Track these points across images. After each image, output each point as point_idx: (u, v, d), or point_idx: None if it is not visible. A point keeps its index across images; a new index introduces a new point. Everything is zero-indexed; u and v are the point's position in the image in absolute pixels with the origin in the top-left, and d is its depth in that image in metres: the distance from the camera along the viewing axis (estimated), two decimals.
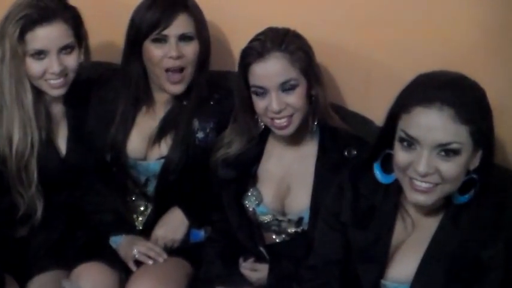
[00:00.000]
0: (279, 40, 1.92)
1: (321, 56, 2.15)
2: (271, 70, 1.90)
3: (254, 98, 1.95)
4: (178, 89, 2.12)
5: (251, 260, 2.03)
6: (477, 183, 1.60)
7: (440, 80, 1.60)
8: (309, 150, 2.02)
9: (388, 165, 1.67)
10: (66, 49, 2.09)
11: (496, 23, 1.96)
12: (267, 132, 2.05)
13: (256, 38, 1.95)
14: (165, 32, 2.07)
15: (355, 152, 1.95)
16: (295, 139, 2.02)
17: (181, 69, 2.10)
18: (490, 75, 1.97)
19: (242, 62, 1.96)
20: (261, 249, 2.05)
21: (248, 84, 1.96)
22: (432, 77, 1.61)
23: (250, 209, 2.07)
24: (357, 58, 2.20)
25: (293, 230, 2.05)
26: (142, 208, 2.27)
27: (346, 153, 1.96)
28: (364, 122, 2.15)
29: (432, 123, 1.53)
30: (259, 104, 1.94)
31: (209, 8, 2.19)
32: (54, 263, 2.12)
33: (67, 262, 2.10)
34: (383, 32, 2.13)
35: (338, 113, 2.12)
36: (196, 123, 2.17)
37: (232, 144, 2.05)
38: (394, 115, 1.61)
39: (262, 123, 2.03)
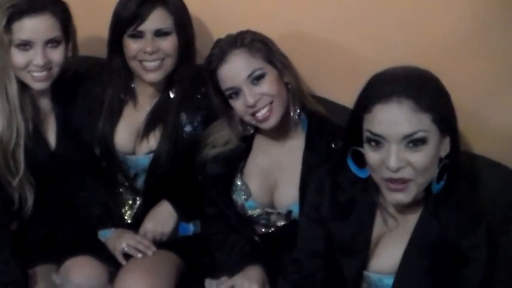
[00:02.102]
0: (234, 39, 1.96)
1: (309, 51, 2.17)
2: (235, 68, 1.94)
3: (231, 102, 1.97)
4: (154, 76, 2.13)
5: (223, 279, 2.00)
6: (449, 168, 1.62)
7: (393, 75, 1.62)
8: (296, 144, 2.03)
9: (362, 160, 1.67)
10: (52, 42, 2.08)
11: (480, 20, 1.98)
12: (254, 128, 2.06)
13: (215, 45, 1.99)
14: (141, 28, 2.07)
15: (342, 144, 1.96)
16: (281, 133, 2.03)
17: (160, 60, 2.11)
18: (474, 70, 1.99)
19: (208, 71, 1.99)
20: (256, 238, 2.08)
21: (220, 91, 1.98)
22: (385, 74, 1.63)
23: (239, 204, 2.09)
24: (344, 53, 2.22)
25: (282, 223, 2.07)
26: (131, 202, 2.29)
27: (333, 145, 1.97)
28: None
29: (393, 117, 1.54)
30: (237, 104, 1.96)
31: (196, 2, 2.19)
32: (44, 257, 2.12)
33: (56, 256, 2.11)
34: (370, 27, 2.15)
35: (326, 106, 2.14)
36: (183, 117, 2.18)
37: (219, 144, 2.07)
38: (357, 117, 1.62)
39: (249, 127, 2.05)
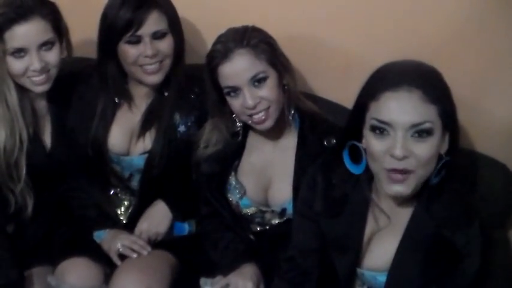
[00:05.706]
0: (240, 37, 1.93)
1: (300, 50, 2.16)
2: (238, 68, 1.91)
3: (229, 99, 1.97)
4: (156, 79, 2.12)
5: (218, 277, 1.99)
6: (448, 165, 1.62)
7: (402, 66, 1.63)
8: (289, 142, 2.04)
9: (357, 156, 1.67)
10: (46, 45, 2.08)
11: (475, 15, 1.99)
12: (247, 126, 2.06)
13: (218, 41, 1.96)
14: (139, 33, 2.06)
15: (335, 141, 1.95)
16: (275, 131, 2.03)
17: (159, 62, 2.11)
18: (461, 67, 2.00)
19: (209, 66, 1.97)
20: (251, 237, 2.09)
21: (218, 86, 1.97)
22: (394, 65, 1.64)
23: (234, 202, 2.09)
24: (337, 51, 2.22)
25: (277, 221, 2.07)
26: (126, 202, 2.29)
27: (325, 142, 1.97)
28: (343, 112, 2.16)
29: (402, 105, 1.54)
30: (235, 103, 1.95)
31: (187, 3, 2.19)
32: (40, 259, 2.13)
33: (52, 258, 2.11)
34: (363, 25, 2.15)
35: (318, 104, 2.15)
36: (177, 117, 2.18)
37: (212, 143, 2.07)
38: (362, 106, 1.62)
39: (238, 124, 2.04)
